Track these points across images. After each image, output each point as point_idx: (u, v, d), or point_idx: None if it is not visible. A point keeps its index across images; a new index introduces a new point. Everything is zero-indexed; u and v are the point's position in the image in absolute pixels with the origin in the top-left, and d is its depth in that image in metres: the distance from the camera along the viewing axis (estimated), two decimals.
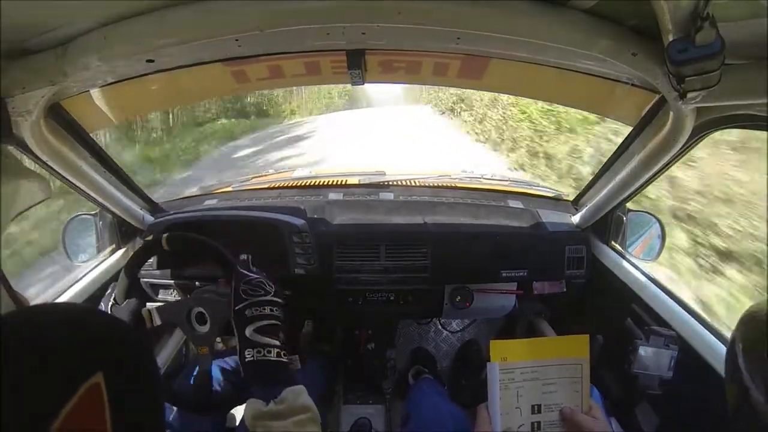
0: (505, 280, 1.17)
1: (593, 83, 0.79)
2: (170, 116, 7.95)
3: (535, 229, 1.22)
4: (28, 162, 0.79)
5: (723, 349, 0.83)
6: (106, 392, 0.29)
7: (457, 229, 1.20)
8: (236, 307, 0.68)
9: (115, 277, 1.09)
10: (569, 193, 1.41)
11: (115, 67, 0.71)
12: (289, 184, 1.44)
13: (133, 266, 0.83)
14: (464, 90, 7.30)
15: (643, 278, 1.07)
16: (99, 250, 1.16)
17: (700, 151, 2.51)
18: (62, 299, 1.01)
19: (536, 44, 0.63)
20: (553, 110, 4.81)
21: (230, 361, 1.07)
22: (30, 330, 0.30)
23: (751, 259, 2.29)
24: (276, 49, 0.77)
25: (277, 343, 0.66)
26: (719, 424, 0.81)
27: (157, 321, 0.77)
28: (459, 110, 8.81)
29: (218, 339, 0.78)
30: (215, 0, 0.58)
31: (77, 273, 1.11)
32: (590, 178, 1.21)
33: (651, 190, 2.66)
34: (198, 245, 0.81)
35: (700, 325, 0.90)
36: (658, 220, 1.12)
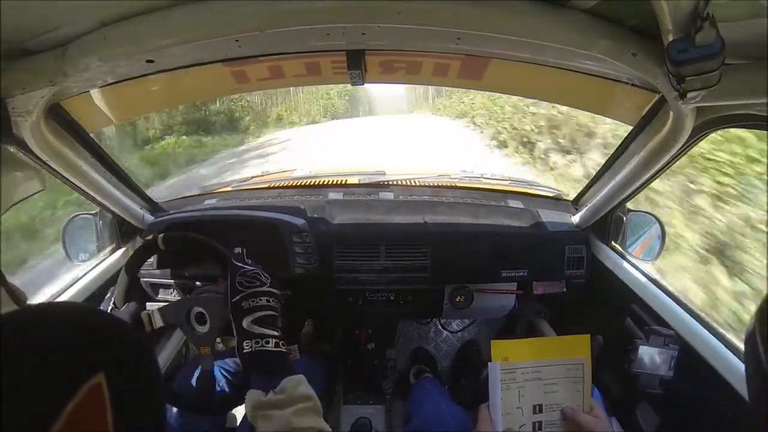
0: (505, 280, 1.17)
1: (593, 83, 0.79)
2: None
3: (535, 229, 1.22)
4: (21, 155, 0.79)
5: (723, 348, 0.83)
6: (107, 393, 0.29)
7: (457, 228, 1.20)
8: (233, 300, 0.68)
9: (115, 277, 1.09)
10: (569, 192, 1.41)
11: (115, 68, 0.71)
12: (289, 184, 1.44)
13: (133, 265, 0.83)
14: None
15: (643, 278, 1.07)
16: (99, 250, 1.16)
17: None
18: (62, 298, 1.01)
19: (536, 44, 0.63)
20: None
21: (230, 362, 1.07)
22: (30, 329, 0.29)
23: None
24: (276, 49, 0.77)
25: (275, 333, 0.66)
26: (719, 423, 0.82)
27: (158, 323, 0.77)
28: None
29: (218, 340, 0.78)
30: (215, 0, 0.58)
31: (77, 273, 1.11)
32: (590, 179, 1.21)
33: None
34: (192, 243, 0.80)
35: (700, 325, 0.90)
36: (658, 221, 1.12)
